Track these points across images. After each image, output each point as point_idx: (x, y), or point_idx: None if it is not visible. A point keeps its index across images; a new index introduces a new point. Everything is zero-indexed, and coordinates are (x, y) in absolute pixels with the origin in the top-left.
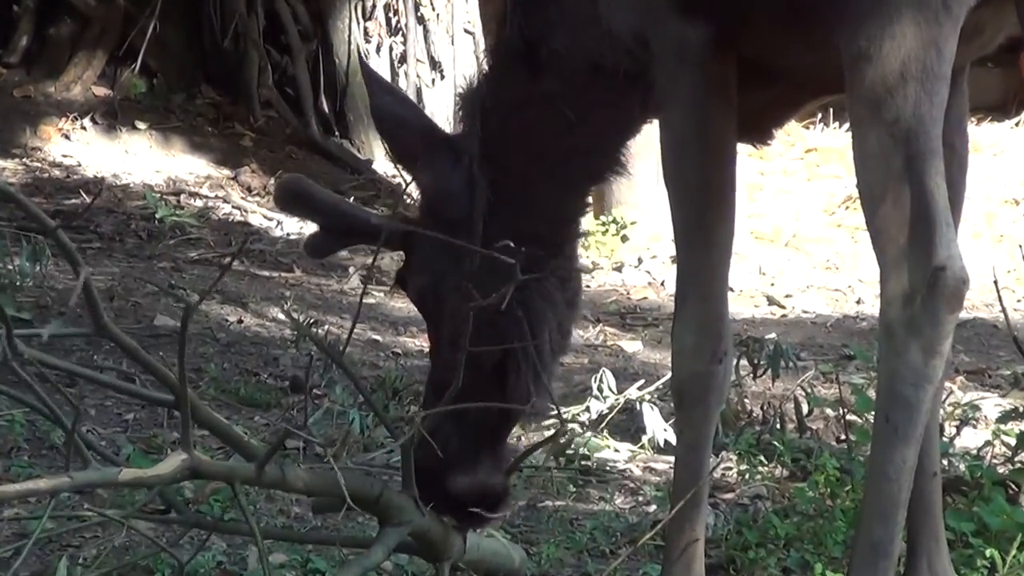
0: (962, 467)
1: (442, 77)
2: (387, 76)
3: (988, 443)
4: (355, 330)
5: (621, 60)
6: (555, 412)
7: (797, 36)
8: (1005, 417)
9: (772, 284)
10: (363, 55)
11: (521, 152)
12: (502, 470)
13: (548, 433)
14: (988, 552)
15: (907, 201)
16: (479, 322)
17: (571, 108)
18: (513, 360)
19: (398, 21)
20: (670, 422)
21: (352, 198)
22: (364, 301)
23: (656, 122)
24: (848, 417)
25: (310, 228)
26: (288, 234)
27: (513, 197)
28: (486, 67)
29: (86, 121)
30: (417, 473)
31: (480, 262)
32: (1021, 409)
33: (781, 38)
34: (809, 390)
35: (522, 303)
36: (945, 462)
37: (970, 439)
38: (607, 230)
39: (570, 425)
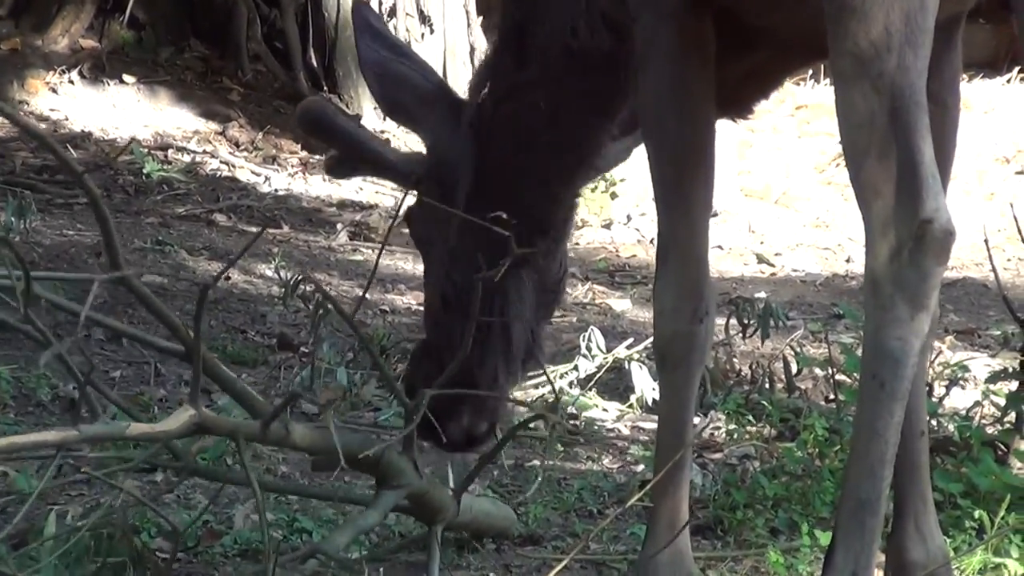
0: (951, 427)
1: (431, 31)
2: None
3: (977, 403)
4: (343, 287)
5: (597, 37)
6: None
7: None
8: (994, 377)
9: (762, 242)
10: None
11: (509, 140)
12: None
13: (535, 393)
14: (976, 513)
15: (892, 155)
16: (463, 287)
17: (550, 99)
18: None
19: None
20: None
21: None
22: (352, 258)
23: None
24: (837, 377)
25: (297, 185)
26: (276, 190)
27: (501, 181)
28: (491, 46)
29: (73, 74)
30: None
31: (468, 235)
32: (1011, 369)
33: None
34: (798, 349)
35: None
36: (934, 422)
37: (959, 399)
38: (596, 187)
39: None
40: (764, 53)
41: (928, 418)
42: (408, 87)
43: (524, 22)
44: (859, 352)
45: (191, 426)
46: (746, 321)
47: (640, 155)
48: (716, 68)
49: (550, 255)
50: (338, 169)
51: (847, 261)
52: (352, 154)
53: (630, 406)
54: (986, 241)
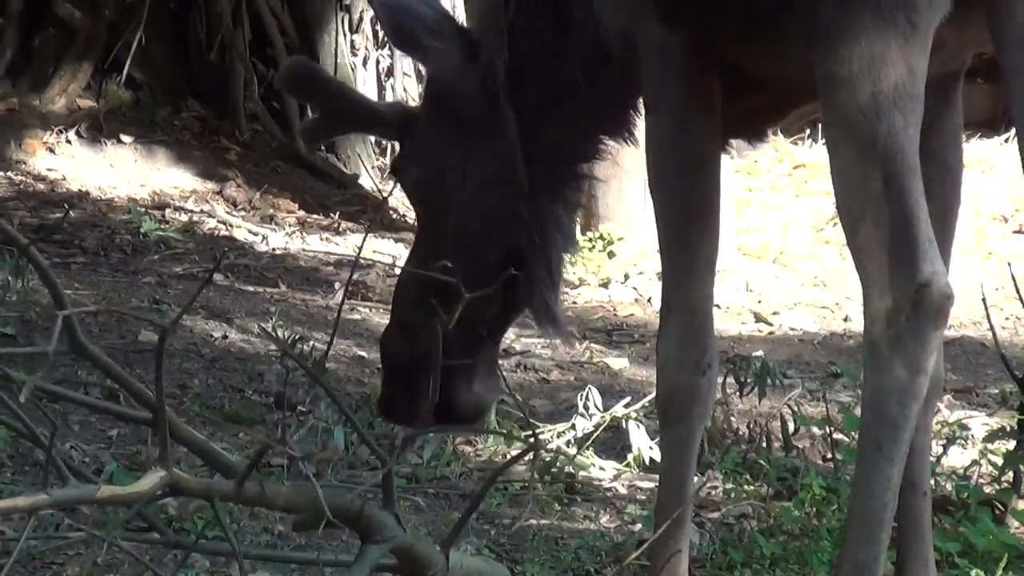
0: (949, 486)
1: None
2: (374, 89)
3: (975, 462)
4: (340, 346)
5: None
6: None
7: (768, 49)
8: (992, 436)
9: (759, 301)
10: None
11: (540, 91)
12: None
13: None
14: (974, 573)
15: (887, 220)
16: (485, 221)
17: (583, 74)
18: (523, 260)
19: (385, 34)
20: (656, 440)
21: (338, 213)
22: (349, 317)
23: (641, 143)
24: (835, 436)
25: (295, 244)
26: (273, 249)
27: (528, 125)
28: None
29: (71, 134)
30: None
31: (487, 157)
32: (1008, 428)
33: (754, 49)
34: (796, 408)
35: (533, 213)
36: (932, 481)
37: (957, 458)
38: (594, 246)
39: (551, 445)
40: (771, 92)
41: (930, 476)
42: (418, 15)
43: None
44: (857, 411)
45: (162, 487)
46: (743, 380)
47: (637, 214)
48: (728, 101)
49: (575, 191)
50: (318, 132)
51: (845, 320)
52: (339, 109)
53: (627, 465)
54: (984, 300)
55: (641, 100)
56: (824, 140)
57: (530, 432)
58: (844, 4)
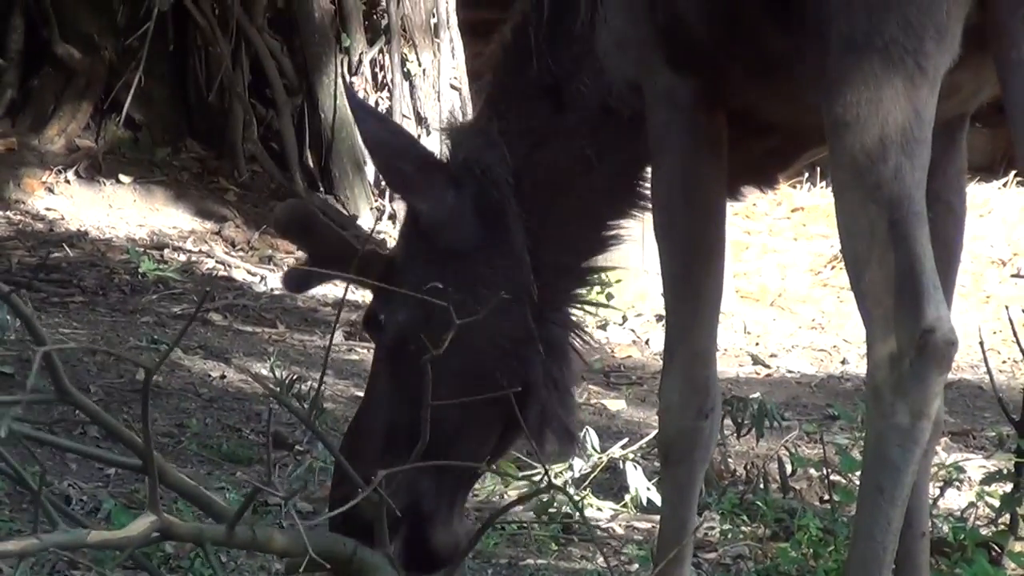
0: (945, 528)
1: (428, 133)
2: None
3: (972, 504)
4: (339, 386)
5: (627, 103)
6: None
7: (777, 93)
8: (989, 479)
9: (757, 343)
10: (348, 84)
11: (548, 183)
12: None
13: (525, 488)
14: None
15: (892, 265)
16: (496, 353)
17: (590, 147)
18: (536, 392)
19: (384, 76)
20: (653, 481)
21: None
22: (347, 357)
23: None
24: (832, 477)
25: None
26: (272, 289)
27: (536, 230)
28: (495, 103)
29: (70, 174)
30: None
31: (495, 283)
32: (1005, 471)
33: (764, 94)
34: (793, 450)
35: (545, 337)
36: (929, 523)
37: (954, 500)
38: (591, 288)
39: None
40: (781, 137)
41: (928, 518)
42: (408, 157)
43: (563, 78)
44: (855, 453)
45: (152, 532)
46: (741, 421)
47: (635, 256)
48: (736, 148)
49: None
50: (303, 281)
51: (842, 363)
52: (329, 256)
53: (624, 506)
54: (981, 343)
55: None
56: (830, 183)
57: (531, 472)
58: (852, 48)
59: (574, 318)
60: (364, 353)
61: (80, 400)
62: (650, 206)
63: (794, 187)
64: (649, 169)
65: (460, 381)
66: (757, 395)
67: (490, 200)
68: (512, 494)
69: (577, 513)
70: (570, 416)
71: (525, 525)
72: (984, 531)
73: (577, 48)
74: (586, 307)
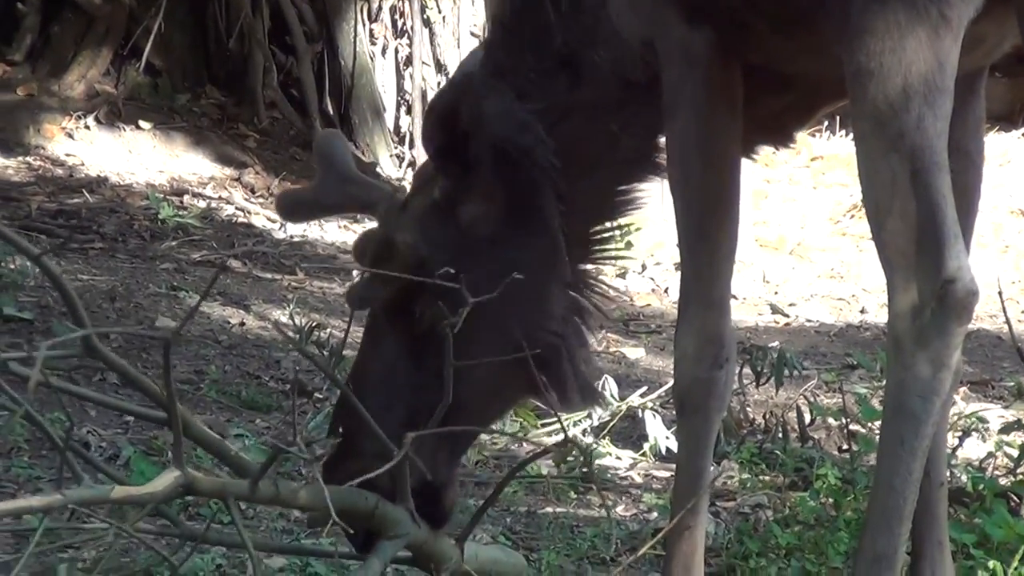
0: (964, 478)
1: (447, 80)
2: (392, 78)
3: (991, 454)
4: (357, 335)
5: (643, 69)
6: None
7: (799, 45)
8: (1008, 428)
9: (776, 292)
10: None
11: (572, 161)
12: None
13: (548, 441)
14: (990, 564)
15: (914, 215)
16: (532, 328)
17: (612, 119)
18: (561, 353)
19: (404, 23)
20: (672, 429)
21: None
22: None
23: None
24: (851, 427)
25: (313, 231)
26: (291, 236)
27: (564, 202)
28: (506, 77)
29: (89, 120)
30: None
31: (530, 261)
32: None
33: (784, 46)
34: (812, 399)
35: (570, 301)
36: (947, 473)
37: (973, 450)
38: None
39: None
40: (799, 91)
41: (947, 468)
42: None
43: (579, 50)
44: (874, 402)
45: (177, 488)
46: (760, 370)
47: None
48: (753, 104)
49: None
50: (301, 209)
51: (861, 312)
52: (338, 190)
53: (643, 454)
54: (1000, 293)
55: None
56: (851, 133)
57: (550, 421)
58: None
59: (594, 276)
60: None
61: (108, 356)
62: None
63: (813, 135)
64: (661, 137)
65: (494, 353)
66: (776, 344)
67: (530, 184)
68: (531, 443)
69: (590, 464)
70: (592, 371)
71: (543, 476)
72: (1003, 481)
73: (587, 18)
74: (606, 263)
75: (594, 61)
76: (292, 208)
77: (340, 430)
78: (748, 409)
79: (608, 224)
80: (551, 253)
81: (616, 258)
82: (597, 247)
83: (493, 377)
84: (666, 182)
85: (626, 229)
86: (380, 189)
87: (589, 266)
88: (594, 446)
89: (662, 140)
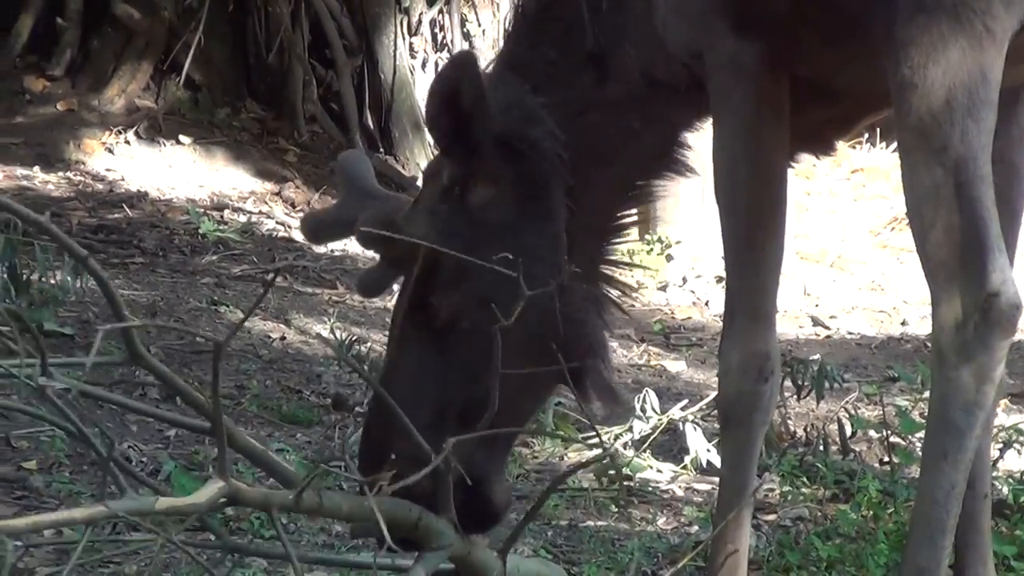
0: (1005, 490)
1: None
2: None
3: None
4: None
5: (677, 74)
6: (597, 434)
7: (845, 57)
8: None
9: (817, 305)
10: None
11: (589, 156)
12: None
13: (589, 454)
14: None
15: (958, 228)
16: (555, 323)
17: (635, 116)
18: (593, 356)
19: (444, 37)
20: (713, 442)
21: None
22: None
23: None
24: (892, 439)
25: (353, 245)
26: (332, 251)
27: (578, 196)
28: (522, 71)
29: (129, 134)
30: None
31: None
32: None
33: (831, 58)
34: (853, 411)
35: (595, 301)
36: (990, 485)
37: (1013, 462)
38: (652, 249)
39: (611, 449)
40: (843, 103)
41: (990, 480)
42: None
43: (608, 47)
44: (915, 414)
45: (221, 498)
46: (801, 383)
47: (694, 217)
48: (798, 114)
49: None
50: (324, 230)
51: (902, 324)
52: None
53: (684, 467)
54: None
55: (692, 119)
56: (895, 145)
57: (590, 435)
58: (921, 9)
59: (609, 273)
60: None
61: (153, 364)
62: (690, 171)
63: (853, 148)
64: (686, 135)
65: (522, 351)
66: (817, 356)
67: (536, 175)
68: (571, 456)
69: (629, 477)
70: (610, 372)
71: (584, 490)
72: None
73: (621, 18)
74: (620, 263)
75: (624, 61)
76: (316, 229)
77: (376, 437)
78: (789, 421)
79: (624, 217)
80: (560, 246)
81: (630, 265)
82: (613, 237)
83: (526, 374)
84: (708, 193)
85: (666, 241)
86: (402, 202)
87: (604, 257)
88: (632, 458)
89: (680, 142)
